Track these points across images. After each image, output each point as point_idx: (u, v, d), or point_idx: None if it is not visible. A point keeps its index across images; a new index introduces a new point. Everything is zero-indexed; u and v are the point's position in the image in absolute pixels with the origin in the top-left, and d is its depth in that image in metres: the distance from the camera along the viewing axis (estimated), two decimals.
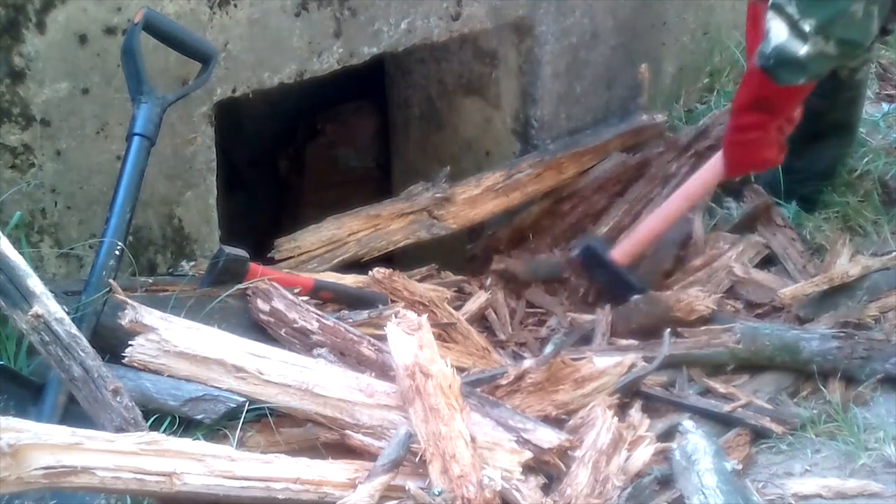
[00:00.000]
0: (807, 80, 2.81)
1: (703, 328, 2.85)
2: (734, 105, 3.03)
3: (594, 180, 3.55)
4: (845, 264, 3.01)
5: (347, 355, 2.40)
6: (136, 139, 2.43)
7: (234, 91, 2.83)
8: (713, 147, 3.58)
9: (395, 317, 2.35)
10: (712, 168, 3.07)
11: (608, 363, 2.59)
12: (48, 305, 2.01)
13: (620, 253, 3.16)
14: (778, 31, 2.71)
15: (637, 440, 2.41)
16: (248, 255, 2.54)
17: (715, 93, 3.94)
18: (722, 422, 2.59)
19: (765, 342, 2.74)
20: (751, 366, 2.77)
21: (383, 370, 2.34)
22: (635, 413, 2.54)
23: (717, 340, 2.77)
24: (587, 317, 3.12)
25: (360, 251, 3.06)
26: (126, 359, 2.16)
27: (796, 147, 3.22)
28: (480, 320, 3.12)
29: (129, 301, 2.19)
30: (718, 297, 3.04)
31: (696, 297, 2.98)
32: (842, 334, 2.71)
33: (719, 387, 2.69)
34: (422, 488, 2.01)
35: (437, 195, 3.23)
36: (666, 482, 2.28)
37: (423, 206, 3.22)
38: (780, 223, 3.28)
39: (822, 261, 3.14)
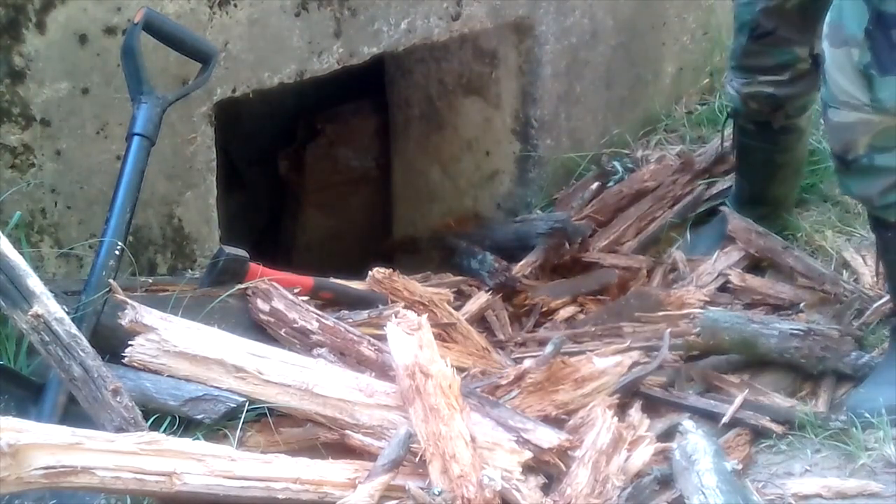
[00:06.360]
0: None
1: (660, 314, 2.84)
2: None
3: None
4: None
5: (347, 355, 2.40)
6: (136, 139, 2.43)
7: (233, 91, 2.83)
8: (729, 171, 3.56)
9: (395, 317, 2.35)
10: None
11: (608, 363, 2.59)
12: (48, 305, 2.01)
13: None
14: None
15: (637, 440, 2.40)
16: (248, 255, 2.54)
17: (715, 94, 3.94)
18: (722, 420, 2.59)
19: (724, 336, 2.73)
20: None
21: (383, 370, 2.34)
22: (635, 413, 2.54)
23: (675, 329, 2.77)
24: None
25: None
26: (126, 359, 2.17)
27: (756, 195, 3.27)
28: (480, 321, 3.12)
29: (129, 301, 2.19)
30: (711, 291, 3.05)
31: (686, 290, 2.99)
32: (800, 332, 2.71)
33: (722, 384, 2.70)
34: (422, 488, 2.01)
35: None
36: (666, 482, 2.28)
37: None
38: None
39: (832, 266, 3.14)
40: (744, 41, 3.03)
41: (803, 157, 3.33)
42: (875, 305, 2.89)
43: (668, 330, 2.79)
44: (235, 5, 2.76)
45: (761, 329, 2.73)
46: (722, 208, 3.35)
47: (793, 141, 3.21)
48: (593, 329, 2.99)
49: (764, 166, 3.25)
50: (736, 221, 3.24)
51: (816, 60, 2.96)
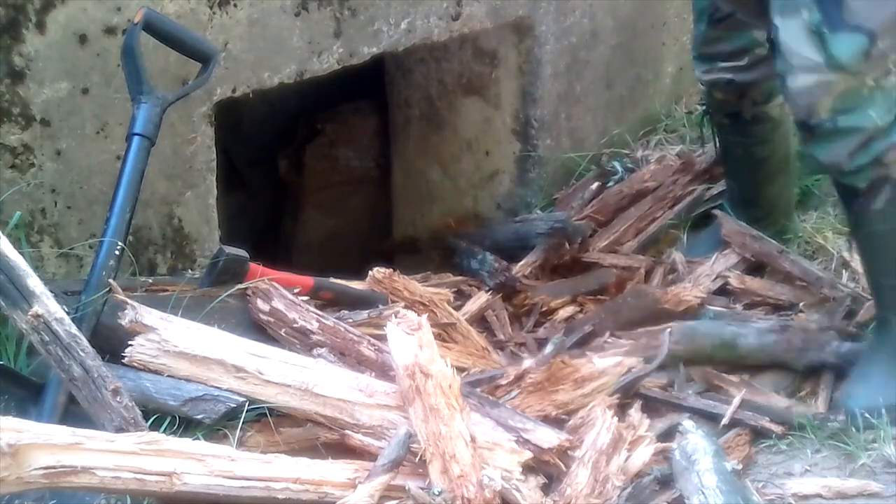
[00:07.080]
0: None
1: (641, 329, 2.84)
2: None
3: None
4: None
5: (347, 355, 2.40)
6: (136, 139, 2.43)
7: (233, 91, 2.83)
8: None
9: (395, 317, 2.35)
10: None
11: (608, 363, 2.59)
12: (48, 305, 2.01)
13: None
14: None
15: (637, 440, 2.41)
16: (248, 255, 2.54)
17: None
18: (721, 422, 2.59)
19: (703, 342, 2.75)
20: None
21: (383, 370, 2.34)
22: (635, 413, 2.54)
23: (655, 342, 2.76)
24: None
25: None
26: (126, 359, 2.16)
27: (747, 196, 3.25)
28: (480, 321, 3.12)
29: (129, 301, 2.19)
30: (707, 288, 3.06)
31: (684, 288, 2.99)
32: (777, 327, 2.73)
33: (722, 384, 2.70)
34: (422, 488, 2.01)
35: None
36: (666, 482, 2.28)
37: None
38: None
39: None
40: (703, 28, 3.05)
41: (787, 154, 3.28)
42: (868, 304, 2.89)
43: (668, 330, 2.79)
44: (235, 5, 2.76)
45: (739, 329, 2.76)
46: (716, 212, 3.34)
47: (768, 131, 3.18)
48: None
49: (746, 163, 3.23)
50: (730, 225, 3.23)
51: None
